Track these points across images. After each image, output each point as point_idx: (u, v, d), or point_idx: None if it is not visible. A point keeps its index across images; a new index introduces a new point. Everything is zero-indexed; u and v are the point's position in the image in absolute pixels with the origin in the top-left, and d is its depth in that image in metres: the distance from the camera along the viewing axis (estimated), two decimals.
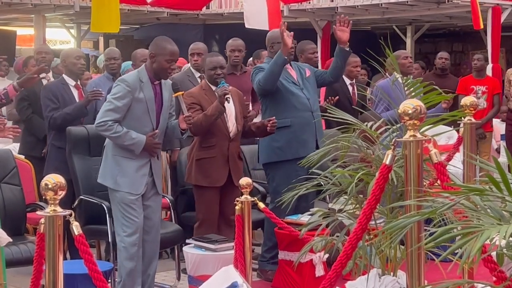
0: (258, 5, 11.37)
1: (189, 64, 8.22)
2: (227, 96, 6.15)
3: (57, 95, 6.85)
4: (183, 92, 5.86)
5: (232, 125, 6.39)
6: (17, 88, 6.43)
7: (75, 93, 6.97)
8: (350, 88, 8.58)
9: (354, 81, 8.64)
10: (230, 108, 6.38)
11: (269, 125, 6.31)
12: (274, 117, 6.36)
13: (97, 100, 6.90)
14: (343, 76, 8.72)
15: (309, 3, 13.85)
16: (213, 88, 6.38)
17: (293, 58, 6.85)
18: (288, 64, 6.67)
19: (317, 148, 6.39)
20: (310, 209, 5.24)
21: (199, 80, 7.62)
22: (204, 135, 6.33)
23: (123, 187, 5.54)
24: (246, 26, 11.25)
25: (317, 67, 8.64)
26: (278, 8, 11.75)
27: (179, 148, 7.35)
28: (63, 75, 7.06)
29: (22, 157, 7.25)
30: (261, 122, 6.48)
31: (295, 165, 6.46)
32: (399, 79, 4.66)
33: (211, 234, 6.10)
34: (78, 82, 7.06)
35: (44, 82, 7.59)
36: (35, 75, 6.50)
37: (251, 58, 9.66)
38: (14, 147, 7.72)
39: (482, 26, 11.04)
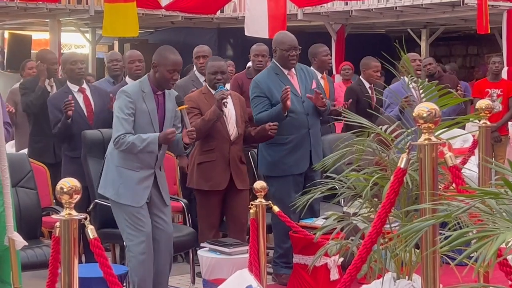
0: (259, 13, 11.35)
1: (194, 69, 8.17)
2: (224, 100, 6.14)
3: (60, 107, 6.83)
4: (187, 106, 5.81)
5: (232, 128, 6.37)
6: None
7: (79, 98, 6.98)
8: (370, 92, 8.57)
9: (372, 85, 8.63)
10: (230, 111, 6.36)
11: (269, 128, 6.23)
12: (276, 122, 6.29)
13: (72, 109, 6.78)
14: (362, 80, 8.74)
15: (323, 6, 13.85)
16: (213, 92, 6.37)
17: (301, 61, 6.74)
18: (292, 70, 6.58)
19: (311, 164, 6.30)
20: (325, 213, 5.23)
21: (204, 84, 7.59)
22: (204, 139, 6.31)
23: (124, 199, 5.50)
24: (246, 33, 11.21)
25: (331, 69, 8.66)
26: (283, 16, 11.70)
27: (186, 154, 7.32)
28: (67, 81, 7.08)
29: None
30: (261, 127, 6.38)
31: (291, 175, 6.44)
32: (413, 82, 4.65)
33: (227, 237, 6.11)
34: (83, 85, 7.06)
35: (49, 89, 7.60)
36: None
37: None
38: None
39: (488, 31, 10.97)
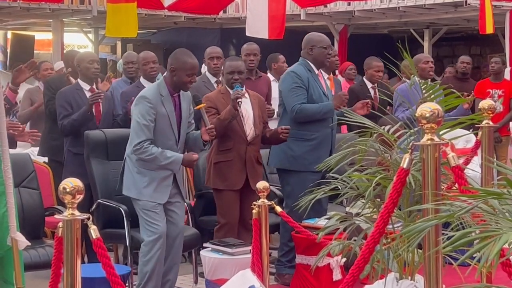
0: (259, 13, 11.37)
1: (205, 69, 8.17)
2: (238, 100, 6.16)
3: (70, 101, 6.86)
4: (205, 104, 5.92)
5: (249, 128, 6.38)
6: (13, 88, 6.45)
7: None
8: (372, 92, 8.56)
9: (376, 85, 8.63)
10: (248, 111, 6.38)
11: (281, 132, 6.27)
12: (288, 126, 6.33)
13: (101, 102, 6.88)
14: (365, 80, 8.74)
15: (326, 6, 13.86)
16: (231, 92, 6.39)
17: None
18: (320, 71, 6.67)
19: None
20: (327, 213, 5.24)
21: (215, 85, 7.61)
22: (221, 139, 6.33)
23: (147, 197, 5.62)
24: (247, 34, 11.23)
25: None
26: (282, 17, 11.70)
27: (205, 150, 7.33)
28: (78, 79, 7.09)
29: (41, 161, 7.27)
30: (275, 129, 6.44)
31: (309, 172, 6.45)
32: (418, 83, 4.65)
33: (230, 238, 6.11)
34: (94, 86, 7.08)
35: None
36: (24, 69, 6.44)
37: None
38: (32, 151, 7.73)
39: (491, 31, 10.96)
